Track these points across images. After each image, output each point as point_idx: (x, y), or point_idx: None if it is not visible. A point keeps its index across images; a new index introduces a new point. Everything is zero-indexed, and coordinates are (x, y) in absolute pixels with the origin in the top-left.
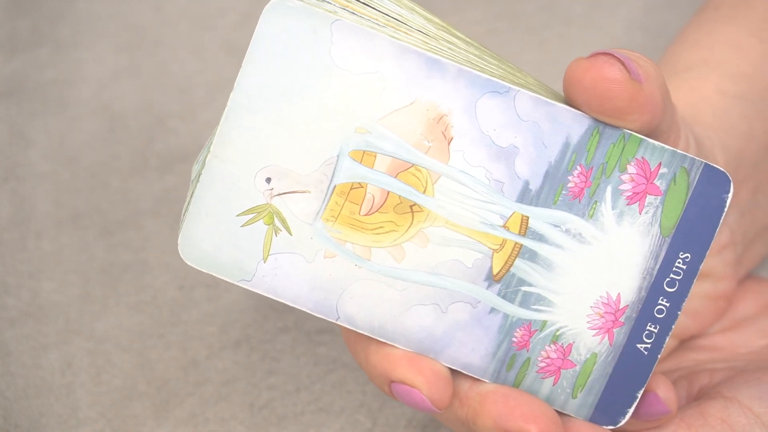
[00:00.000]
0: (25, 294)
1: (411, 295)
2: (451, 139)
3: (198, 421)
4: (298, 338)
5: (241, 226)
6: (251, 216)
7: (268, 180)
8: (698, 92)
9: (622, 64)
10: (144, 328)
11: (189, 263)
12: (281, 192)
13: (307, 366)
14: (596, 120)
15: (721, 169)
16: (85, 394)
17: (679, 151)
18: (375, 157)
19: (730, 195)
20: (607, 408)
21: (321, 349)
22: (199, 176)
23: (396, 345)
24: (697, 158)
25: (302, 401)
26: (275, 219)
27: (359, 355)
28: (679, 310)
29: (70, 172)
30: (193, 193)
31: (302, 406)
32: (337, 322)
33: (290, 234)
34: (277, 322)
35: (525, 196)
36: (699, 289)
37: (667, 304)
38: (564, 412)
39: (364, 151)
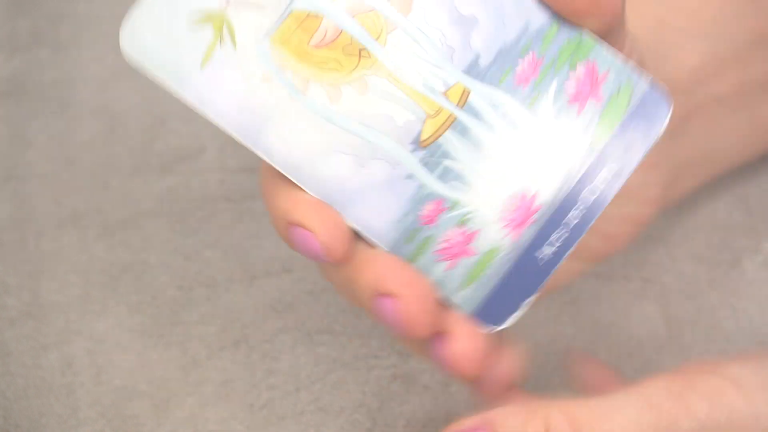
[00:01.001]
0: (25, 294)
1: (334, 140)
2: None
3: (198, 421)
4: (298, 338)
5: (189, 25)
6: (201, 17)
7: None
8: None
9: None
10: (144, 328)
11: (127, 53)
12: (238, 2)
13: (306, 366)
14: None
15: (665, 89)
16: (85, 394)
17: (629, 64)
18: None
19: (669, 117)
20: (491, 308)
21: (321, 349)
22: None
23: (306, 189)
24: (645, 74)
25: (302, 401)
26: (224, 28)
27: (268, 194)
28: (590, 223)
29: (70, 172)
30: None
31: (302, 406)
32: (256, 151)
33: (234, 47)
34: (277, 322)
35: (472, 68)
36: (620, 210)
37: (581, 215)
38: (450, 300)
39: None
